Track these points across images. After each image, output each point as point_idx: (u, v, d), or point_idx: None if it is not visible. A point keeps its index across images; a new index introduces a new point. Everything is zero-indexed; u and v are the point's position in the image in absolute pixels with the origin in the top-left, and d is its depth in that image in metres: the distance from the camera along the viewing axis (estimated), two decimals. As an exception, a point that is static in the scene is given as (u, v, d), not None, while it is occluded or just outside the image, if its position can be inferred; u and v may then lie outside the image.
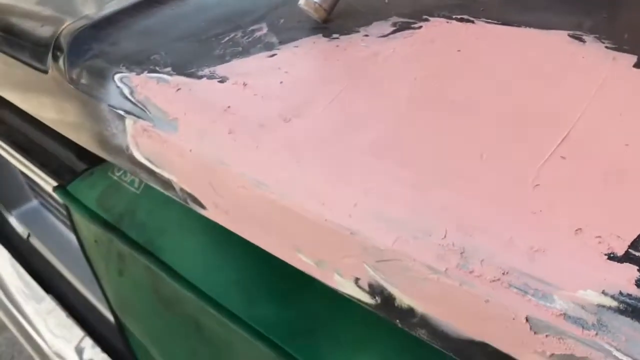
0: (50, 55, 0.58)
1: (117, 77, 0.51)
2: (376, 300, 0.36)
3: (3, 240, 1.31)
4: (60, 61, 0.56)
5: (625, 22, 0.45)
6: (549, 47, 0.43)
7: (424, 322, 0.34)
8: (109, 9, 0.59)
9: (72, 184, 0.70)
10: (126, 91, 0.49)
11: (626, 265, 0.28)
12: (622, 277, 0.27)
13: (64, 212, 0.84)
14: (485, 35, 0.45)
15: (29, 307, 1.29)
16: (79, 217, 0.69)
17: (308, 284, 0.43)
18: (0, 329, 1.61)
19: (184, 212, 0.53)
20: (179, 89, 0.46)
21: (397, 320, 0.36)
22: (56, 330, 1.21)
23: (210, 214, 0.46)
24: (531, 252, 0.30)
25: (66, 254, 1.19)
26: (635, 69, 0.40)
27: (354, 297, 0.38)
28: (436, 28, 0.47)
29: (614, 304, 0.27)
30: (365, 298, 0.37)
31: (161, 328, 0.66)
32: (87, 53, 0.55)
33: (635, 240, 0.28)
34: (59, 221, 1.21)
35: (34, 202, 1.34)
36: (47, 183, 0.77)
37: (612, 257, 0.28)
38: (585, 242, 0.29)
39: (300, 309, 0.49)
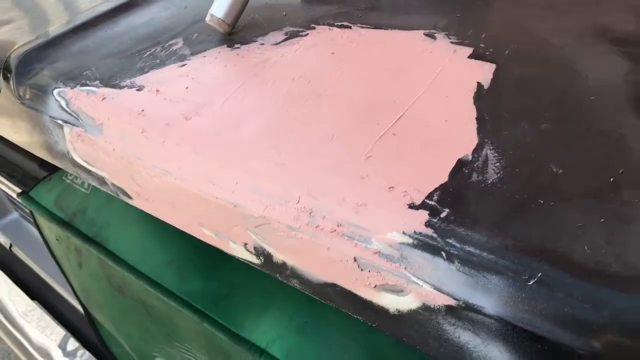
0: (1, 76, 0.66)
1: (55, 91, 0.59)
2: (261, 260, 0.45)
3: (-14, 252, 1.39)
4: (10, 81, 0.64)
5: (473, 20, 0.54)
6: (406, 44, 0.52)
7: (294, 273, 0.43)
8: (52, 33, 0.68)
9: (34, 189, 0.78)
10: (63, 103, 0.57)
11: (421, 211, 0.36)
12: (417, 220, 0.36)
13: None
14: (357, 38, 0.54)
15: (17, 315, 1.36)
16: (41, 219, 0.77)
17: (226, 258, 0.51)
18: (-8, 340, 1.67)
19: (123, 205, 0.61)
20: (104, 98, 0.54)
21: (277, 275, 0.44)
22: (42, 334, 1.28)
23: (135, 202, 0.54)
24: (356, 206, 0.38)
25: (46, 260, 1.26)
26: (468, 59, 0.48)
27: (246, 260, 0.46)
28: (319, 34, 0.56)
29: (410, 240, 0.35)
30: (254, 259, 0.45)
31: (118, 312, 0.74)
32: (31, 72, 0.63)
33: (430, 192, 0.37)
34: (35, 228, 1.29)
35: (15, 214, 1.42)
36: (13, 191, 0.85)
37: (411, 206, 0.36)
38: (394, 196, 0.37)
39: (221, 280, 0.57)
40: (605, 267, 0.30)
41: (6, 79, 0.65)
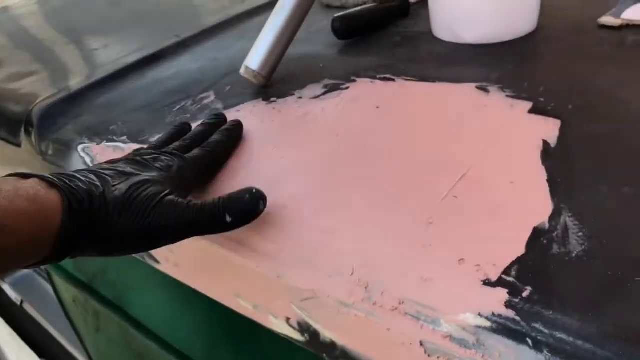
0: (22, 130, 0.63)
1: (80, 147, 0.56)
2: (305, 337, 0.40)
3: (-2, 307, 1.35)
4: (32, 135, 0.61)
5: (526, 73, 0.50)
6: (457, 98, 0.48)
7: (344, 354, 0.38)
8: (76, 85, 0.65)
9: (51, 248, 0.74)
10: (87, 160, 0.54)
11: (498, 289, 0.32)
12: (495, 300, 0.31)
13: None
14: (402, 92, 0.50)
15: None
16: (58, 279, 0.73)
17: (260, 329, 0.47)
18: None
19: (146, 269, 0.56)
20: (132, 156, 0.51)
21: (324, 355, 0.39)
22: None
23: (163, 267, 0.50)
24: (421, 281, 0.33)
25: (57, 318, 1.22)
26: (528, 114, 0.44)
27: (288, 336, 0.42)
28: (361, 87, 0.52)
29: (488, 324, 0.31)
30: (297, 336, 0.41)
31: (137, 381, 0.69)
32: (54, 127, 0.60)
33: (507, 267, 0.32)
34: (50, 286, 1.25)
35: (26, 270, 1.38)
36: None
37: (487, 282, 0.32)
38: (466, 271, 0.33)
39: (253, 354, 0.52)
40: None
41: (28, 133, 0.62)
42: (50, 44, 0.90)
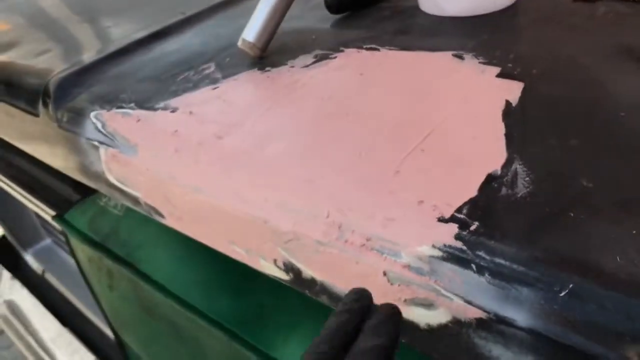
0: (40, 101, 0.68)
1: (92, 114, 0.61)
2: (290, 276, 0.45)
3: (21, 277, 1.42)
4: (49, 105, 0.67)
5: (500, 42, 0.55)
6: (434, 65, 0.52)
7: (323, 288, 0.43)
8: (88, 59, 0.70)
9: (68, 213, 0.80)
10: (99, 125, 0.59)
11: (450, 224, 0.36)
12: (447, 233, 0.36)
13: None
14: (385, 60, 0.55)
15: (48, 340, 1.37)
16: (74, 241, 0.79)
17: (255, 277, 0.52)
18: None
19: (155, 226, 0.62)
20: (139, 120, 0.56)
21: (307, 290, 0.44)
22: (71, 359, 1.29)
23: (168, 222, 0.55)
24: (385, 221, 0.38)
25: (77, 286, 1.28)
26: (497, 79, 0.49)
27: (276, 277, 0.47)
28: (348, 57, 0.57)
29: (440, 254, 0.35)
30: (283, 275, 0.46)
31: (148, 335, 0.75)
32: (69, 97, 0.65)
33: (460, 206, 0.37)
34: (69, 255, 1.32)
35: (48, 241, 1.45)
36: (48, 214, 0.87)
37: (441, 219, 0.37)
38: (424, 210, 0.38)
39: (250, 300, 0.58)
40: (637, 278, 0.30)
41: (45, 103, 0.68)
42: (65, 23, 0.95)
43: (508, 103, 0.45)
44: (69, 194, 0.87)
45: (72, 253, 0.82)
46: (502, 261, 0.33)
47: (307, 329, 0.54)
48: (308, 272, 0.43)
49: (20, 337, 1.42)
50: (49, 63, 0.75)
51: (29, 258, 1.45)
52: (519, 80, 0.48)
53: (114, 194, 0.61)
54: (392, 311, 0.32)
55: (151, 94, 0.60)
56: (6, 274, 1.47)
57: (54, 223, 0.82)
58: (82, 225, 0.77)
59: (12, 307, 1.43)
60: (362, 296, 0.33)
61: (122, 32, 0.79)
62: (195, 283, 0.62)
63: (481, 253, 0.34)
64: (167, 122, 0.54)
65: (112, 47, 0.72)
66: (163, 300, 0.64)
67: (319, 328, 0.54)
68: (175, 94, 0.59)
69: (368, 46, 0.58)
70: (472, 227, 0.35)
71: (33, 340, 1.40)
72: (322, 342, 0.30)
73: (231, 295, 0.60)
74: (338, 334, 0.31)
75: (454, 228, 0.36)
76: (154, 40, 0.72)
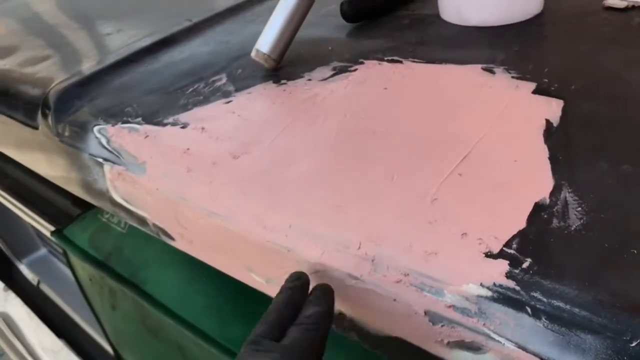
0: (39, 112, 0.65)
1: (95, 129, 0.57)
2: (315, 309, 0.42)
3: (15, 287, 1.38)
4: (49, 118, 0.63)
5: (531, 54, 0.51)
6: (463, 79, 0.49)
7: (353, 325, 0.40)
8: (91, 69, 0.67)
9: (68, 228, 0.77)
10: (103, 141, 0.56)
11: (500, 261, 0.33)
12: (496, 271, 0.33)
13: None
14: (409, 73, 0.52)
15: (42, 354, 1.33)
16: (74, 258, 0.75)
17: (269, 302, 0.49)
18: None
19: (162, 246, 0.58)
20: (147, 136, 0.53)
21: (334, 326, 0.41)
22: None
23: (178, 244, 0.51)
24: (426, 255, 0.35)
25: (74, 298, 1.24)
26: (533, 95, 0.46)
27: (298, 308, 0.43)
28: (369, 69, 0.54)
29: (489, 293, 0.32)
30: (307, 308, 0.42)
31: (152, 356, 0.71)
32: (70, 109, 0.62)
33: (509, 240, 0.34)
34: (66, 267, 1.28)
35: (43, 250, 1.41)
36: (46, 229, 0.83)
37: (488, 255, 0.33)
38: (469, 244, 0.34)
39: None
40: None
41: (44, 115, 0.64)
42: (64, 29, 0.92)
43: (549, 122, 0.42)
44: (67, 207, 0.83)
45: (72, 269, 0.78)
46: (561, 304, 0.30)
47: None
48: (337, 306, 0.40)
49: (14, 349, 1.37)
50: (48, 72, 0.71)
51: (24, 268, 1.41)
52: (558, 97, 0.45)
53: (119, 213, 0.58)
54: (327, 287, 0.38)
55: (159, 108, 0.56)
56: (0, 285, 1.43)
57: (53, 238, 0.78)
58: (83, 242, 0.73)
59: (5, 318, 1.39)
60: (300, 277, 0.39)
61: (125, 40, 0.75)
62: (205, 307, 0.59)
63: (536, 294, 0.31)
64: (178, 139, 0.51)
65: (116, 56, 0.68)
66: (170, 324, 0.61)
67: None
68: (185, 108, 0.55)
69: (389, 58, 0.55)
70: (525, 265, 0.32)
71: (26, 352, 1.36)
72: (272, 311, 0.37)
73: (243, 320, 0.56)
74: (285, 306, 0.37)
75: (504, 265, 0.33)
76: (160, 49, 0.69)
